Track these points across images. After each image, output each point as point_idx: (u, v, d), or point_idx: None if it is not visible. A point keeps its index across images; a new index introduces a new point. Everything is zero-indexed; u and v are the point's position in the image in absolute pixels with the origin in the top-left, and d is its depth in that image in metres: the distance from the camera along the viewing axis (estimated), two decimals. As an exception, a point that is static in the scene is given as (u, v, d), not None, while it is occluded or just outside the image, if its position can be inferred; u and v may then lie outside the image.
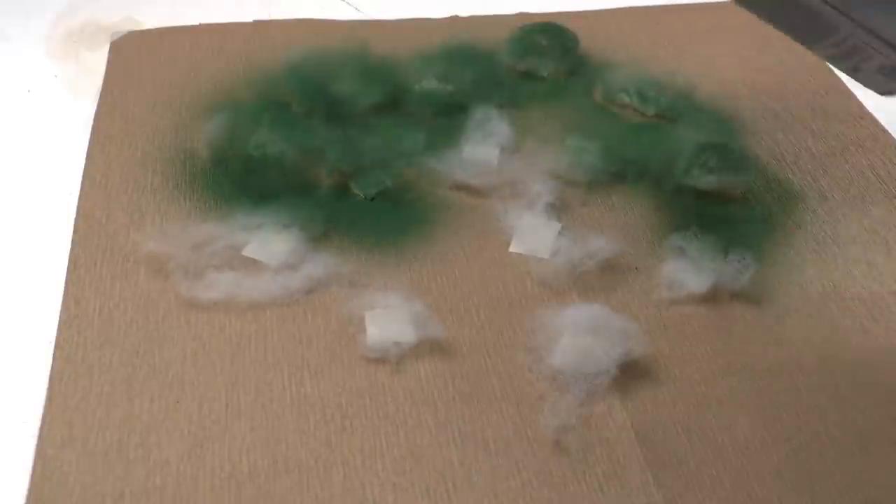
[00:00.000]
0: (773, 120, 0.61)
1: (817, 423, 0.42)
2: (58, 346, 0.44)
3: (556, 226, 0.51)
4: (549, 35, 0.63)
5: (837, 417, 0.42)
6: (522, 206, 0.52)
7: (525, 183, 0.53)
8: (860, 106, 0.62)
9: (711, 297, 0.47)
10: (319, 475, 0.39)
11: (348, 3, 0.72)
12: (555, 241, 0.50)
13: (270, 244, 0.48)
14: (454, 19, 0.69)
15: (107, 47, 0.65)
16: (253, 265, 0.48)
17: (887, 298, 0.48)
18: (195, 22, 0.67)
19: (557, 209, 0.52)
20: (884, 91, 0.40)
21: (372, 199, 0.53)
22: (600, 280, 0.48)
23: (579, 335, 0.43)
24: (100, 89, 0.60)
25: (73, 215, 0.51)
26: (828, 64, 0.65)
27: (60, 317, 0.45)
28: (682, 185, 0.54)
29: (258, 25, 0.67)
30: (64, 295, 0.46)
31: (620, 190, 0.54)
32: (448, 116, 0.58)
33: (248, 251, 0.48)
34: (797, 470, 0.40)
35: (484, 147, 0.55)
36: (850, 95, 0.63)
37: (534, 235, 0.50)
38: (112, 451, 0.39)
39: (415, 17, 0.69)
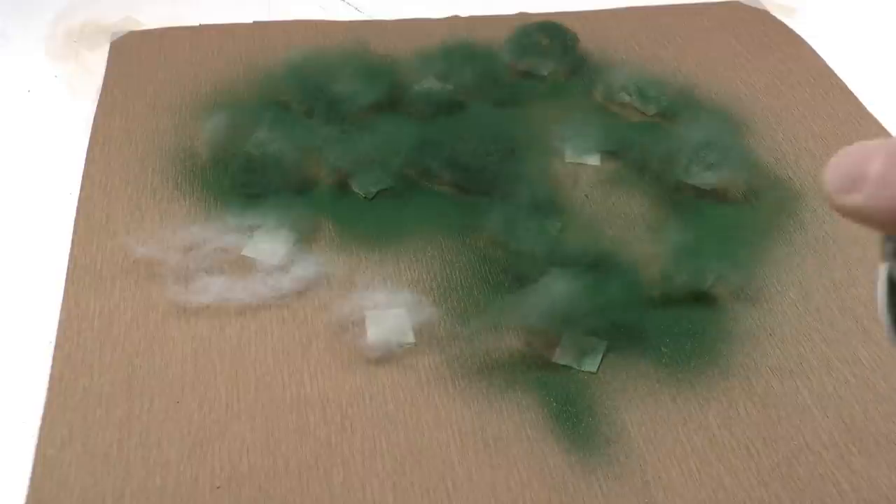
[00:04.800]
0: (774, 120, 0.61)
1: (817, 424, 0.42)
2: (58, 346, 0.44)
3: (556, 225, 0.51)
4: (548, 34, 0.63)
5: (837, 418, 0.42)
6: (522, 206, 0.52)
7: (525, 182, 0.53)
8: (860, 106, 0.62)
9: (711, 297, 0.47)
10: (319, 475, 0.39)
11: (348, 3, 0.72)
12: (554, 240, 0.50)
13: (270, 243, 0.48)
14: (454, 19, 0.69)
15: (107, 47, 0.65)
16: (253, 265, 0.48)
17: (887, 298, 0.48)
18: (195, 22, 0.67)
19: (558, 208, 0.52)
20: None
21: (371, 199, 0.53)
22: (600, 280, 0.48)
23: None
24: (100, 89, 0.60)
25: (73, 215, 0.51)
26: (827, 64, 0.66)
27: (60, 317, 0.45)
28: (682, 184, 0.54)
29: (258, 26, 0.67)
30: (64, 295, 0.46)
31: (620, 188, 0.54)
32: (448, 115, 0.58)
33: (247, 251, 0.48)
34: (797, 470, 0.40)
35: None
36: (850, 95, 0.63)
37: (534, 235, 0.50)
38: (112, 451, 0.39)
39: (415, 17, 0.69)
